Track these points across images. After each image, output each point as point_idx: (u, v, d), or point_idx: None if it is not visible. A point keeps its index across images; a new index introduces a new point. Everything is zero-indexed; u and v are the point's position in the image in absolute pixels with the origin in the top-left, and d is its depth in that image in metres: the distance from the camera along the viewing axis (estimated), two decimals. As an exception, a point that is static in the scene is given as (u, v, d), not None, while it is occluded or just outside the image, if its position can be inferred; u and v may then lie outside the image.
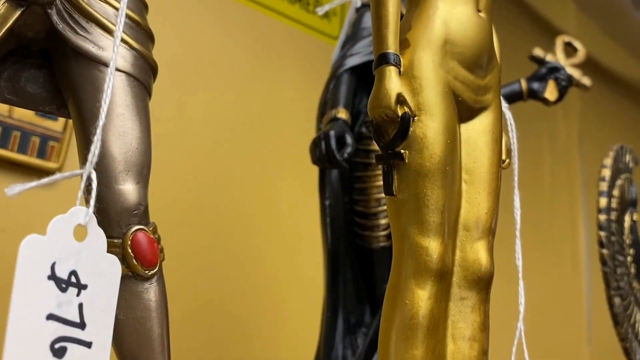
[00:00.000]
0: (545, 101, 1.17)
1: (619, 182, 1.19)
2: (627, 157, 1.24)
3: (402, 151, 0.62)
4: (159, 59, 0.65)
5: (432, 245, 0.61)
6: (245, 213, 1.42)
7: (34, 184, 0.44)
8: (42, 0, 0.57)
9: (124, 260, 0.55)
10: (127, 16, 0.60)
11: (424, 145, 0.62)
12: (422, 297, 0.60)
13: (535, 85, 1.17)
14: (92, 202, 0.47)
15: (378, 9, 0.64)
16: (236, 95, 1.45)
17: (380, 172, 0.98)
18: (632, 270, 1.19)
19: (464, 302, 0.65)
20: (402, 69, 0.64)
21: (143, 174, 0.57)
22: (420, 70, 0.64)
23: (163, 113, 1.26)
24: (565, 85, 1.17)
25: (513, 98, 1.19)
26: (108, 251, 0.50)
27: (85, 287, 0.46)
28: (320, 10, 1.15)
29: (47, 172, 1.29)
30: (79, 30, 0.59)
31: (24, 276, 0.42)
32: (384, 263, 1.01)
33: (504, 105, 0.75)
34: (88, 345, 0.46)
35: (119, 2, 0.58)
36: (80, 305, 0.45)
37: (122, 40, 0.60)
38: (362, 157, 1.04)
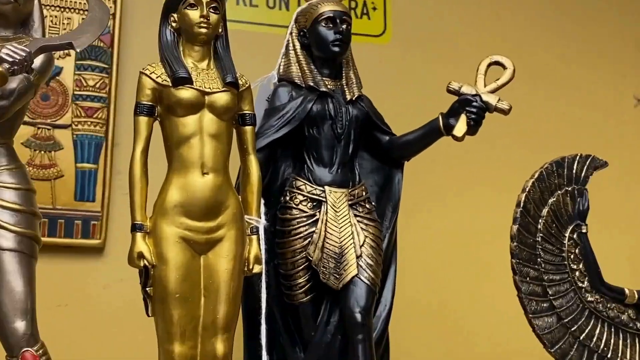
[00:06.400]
0: (454, 137, 1.18)
1: (552, 200, 1.18)
2: (575, 169, 1.21)
3: (148, 289, 0.96)
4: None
5: (173, 348, 0.97)
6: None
7: None
8: None
9: None
10: (9, 208, 0.98)
11: (159, 282, 0.96)
12: None
13: (451, 121, 1.20)
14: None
15: (130, 189, 0.99)
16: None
17: (297, 237, 1.15)
18: (585, 284, 1.18)
19: None
20: (149, 229, 0.98)
21: (27, 313, 0.95)
22: (156, 230, 0.98)
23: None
24: (475, 117, 1.17)
25: (433, 135, 1.24)
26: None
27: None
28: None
29: (93, 249, 1.63)
30: None
31: None
32: (306, 314, 1.20)
33: (262, 222, 1.07)
34: None
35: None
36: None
37: (5, 228, 0.97)
38: (281, 225, 1.20)
